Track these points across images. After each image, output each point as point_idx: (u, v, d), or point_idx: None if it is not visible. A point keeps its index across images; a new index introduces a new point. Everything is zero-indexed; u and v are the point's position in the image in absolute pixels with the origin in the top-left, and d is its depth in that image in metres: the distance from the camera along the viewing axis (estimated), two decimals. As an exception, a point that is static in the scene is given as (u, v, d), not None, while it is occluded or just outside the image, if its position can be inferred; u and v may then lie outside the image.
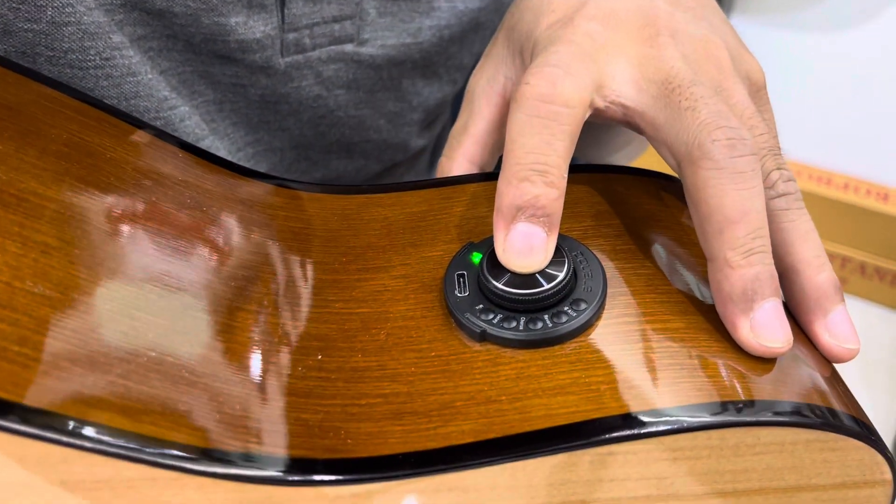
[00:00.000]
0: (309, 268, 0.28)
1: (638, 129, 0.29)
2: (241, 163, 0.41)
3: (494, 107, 0.32)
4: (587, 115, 0.28)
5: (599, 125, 0.29)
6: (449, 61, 0.44)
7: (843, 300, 0.27)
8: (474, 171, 0.32)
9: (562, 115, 0.26)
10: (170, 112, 0.36)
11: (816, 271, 0.27)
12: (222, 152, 0.39)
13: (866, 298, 1.41)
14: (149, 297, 0.24)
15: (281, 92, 0.38)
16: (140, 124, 0.29)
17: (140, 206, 0.26)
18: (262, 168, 0.42)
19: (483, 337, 0.25)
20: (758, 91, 0.30)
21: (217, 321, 0.25)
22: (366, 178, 0.47)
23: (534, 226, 0.25)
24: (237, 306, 0.26)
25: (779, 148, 0.28)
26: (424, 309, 0.27)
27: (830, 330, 0.27)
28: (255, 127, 0.40)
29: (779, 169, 0.28)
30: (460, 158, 0.32)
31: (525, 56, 0.31)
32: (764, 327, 0.25)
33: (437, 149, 0.54)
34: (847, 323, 0.27)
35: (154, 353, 0.22)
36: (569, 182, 0.31)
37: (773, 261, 0.25)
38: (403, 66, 0.42)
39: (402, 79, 0.42)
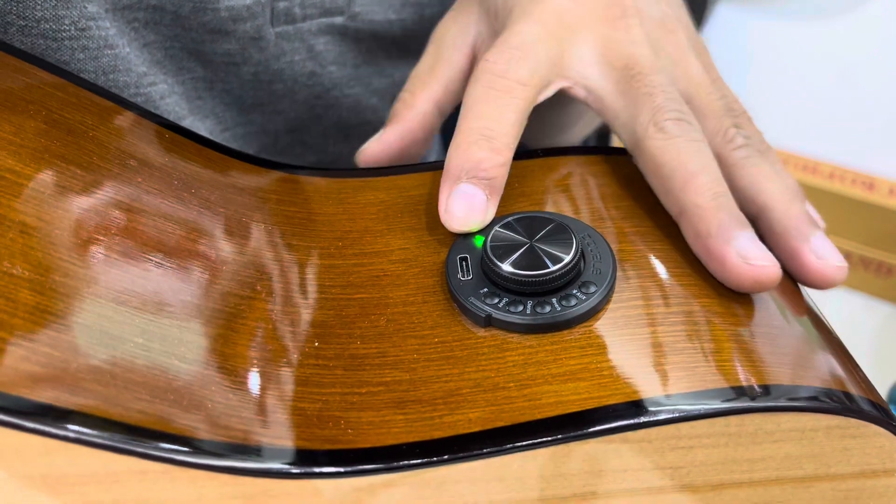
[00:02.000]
0: (304, 253, 0.27)
1: (598, 111, 0.30)
2: (228, 143, 0.39)
3: (464, 56, 0.33)
4: (542, 96, 0.29)
5: (546, 105, 0.31)
6: (425, 40, 0.43)
7: (821, 228, 0.27)
8: (436, 113, 0.32)
9: (515, 90, 0.28)
10: (150, 88, 0.35)
11: (790, 203, 0.27)
12: (202, 133, 0.38)
13: (851, 287, 1.41)
14: (135, 281, 0.22)
15: (274, 69, 0.37)
16: (123, 103, 0.28)
17: (124, 187, 0.25)
18: (252, 149, 0.41)
19: (488, 322, 0.24)
20: (708, 64, 0.32)
21: (208, 307, 0.23)
22: None
23: (475, 187, 0.26)
24: (229, 292, 0.24)
25: (736, 106, 0.30)
26: (426, 294, 0.26)
27: (816, 251, 0.26)
28: (248, 108, 0.39)
29: (735, 127, 0.29)
30: (425, 97, 0.32)
31: (497, 20, 0.31)
32: (749, 250, 0.25)
33: None
34: (831, 244, 0.27)
35: (142, 340, 0.21)
36: (574, 164, 0.30)
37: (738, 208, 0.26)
38: (383, 40, 0.41)
39: (378, 51, 0.42)
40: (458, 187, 0.26)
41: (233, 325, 0.23)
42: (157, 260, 0.23)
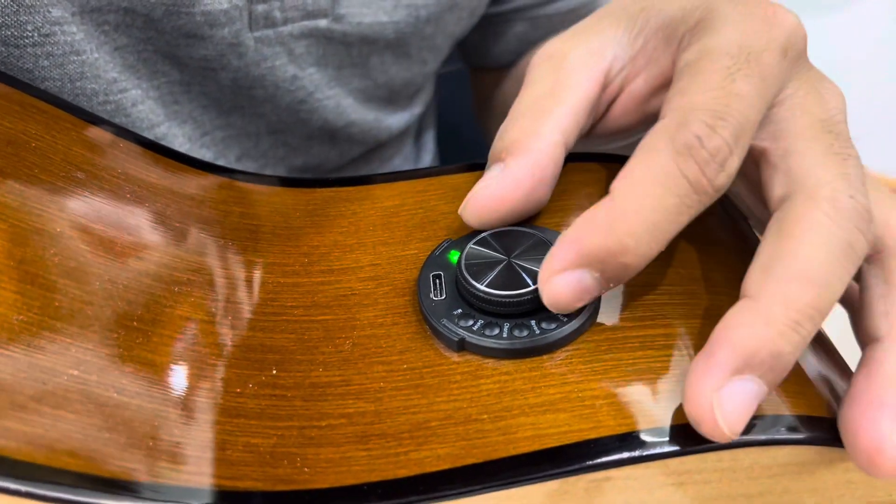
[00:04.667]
0: (265, 270, 0.25)
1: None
2: (208, 147, 0.38)
3: (594, 83, 0.26)
4: None
5: None
6: (422, 42, 0.41)
7: None
8: (563, 146, 0.25)
9: (706, 196, 0.21)
10: (120, 95, 0.33)
11: None
12: (180, 139, 0.36)
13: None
14: (73, 307, 0.21)
15: (255, 74, 0.36)
16: (75, 110, 0.26)
17: (69, 202, 0.23)
18: (233, 153, 0.39)
19: (462, 346, 0.22)
20: None
21: (156, 333, 0.22)
22: (350, 161, 0.44)
23: (594, 279, 0.21)
24: (180, 315, 0.22)
25: None
26: (396, 315, 0.24)
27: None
28: (228, 111, 0.38)
29: None
30: (553, 126, 0.25)
31: (670, 41, 0.25)
32: None
33: (420, 130, 0.52)
34: None
35: (76, 372, 0.19)
36: (562, 171, 0.28)
37: None
38: (376, 44, 0.39)
39: (371, 56, 0.40)
40: (580, 273, 0.20)
41: (183, 353, 0.22)
42: (101, 283, 0.22)
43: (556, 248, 0.21)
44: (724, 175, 0.20)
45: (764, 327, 0.19)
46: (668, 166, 0.20)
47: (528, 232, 0.24)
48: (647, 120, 0.27)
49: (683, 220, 0.20)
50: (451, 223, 0.27)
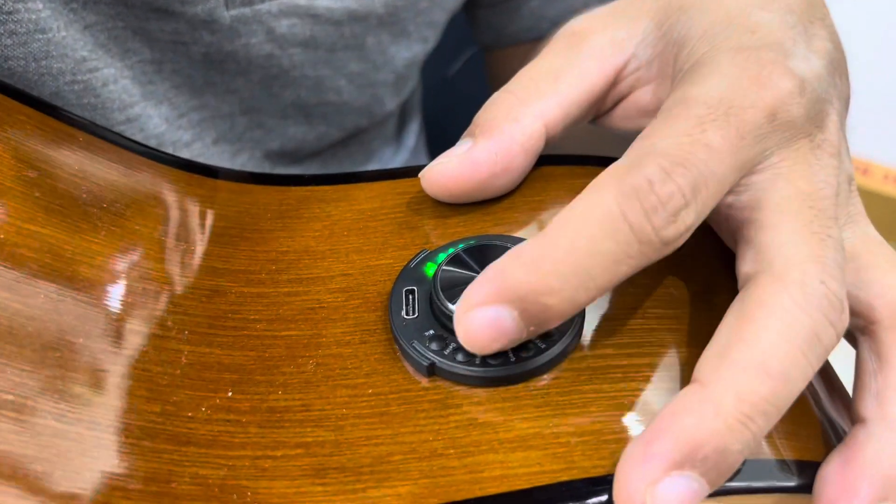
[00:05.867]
0: (229, 279, 0.24)
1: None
2: (185, 129, 0.36)
3: (603, 75, 0.25)
4: None
5: None
6: (419, 17, 0.39)
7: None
8: (543, 137, 0.24)
9: (655, 250, 0.19)
10: (89, 75, 0.32)
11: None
12: (155, 120, 0.35)
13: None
14: (14, 322, 0.19)
15: (227, 50, 0.34)
16: (30, 101, 0.24)
17: (17, 205, 0.21)
18: (209, 135, 0.38)
19: (432, 371, 0.21)
20: None
21: (102, 349, 0.20)
22: (329, 145, 0.42)
23: (516, 320, 0.19)
24: (131, 329, 0.21)
25: None
26: (365, 333, 0.22)
27: None
28: (200, 89, 0.36)
29: None
30: (537, 112, 0.24)
31: (677, 62, 0.23)
32: None
33: (404, 113, 0.50)
34: None
35: (11, 397, 0.18)
36: (539, 177, 0.26)
37: None
38: (367, 22, 0.37)
39: (366, 36, 0.38)
40: (498, 309, 0.18)
41: (132, 371, 0.20)
42: (45, 294, 0.20)
43: (476, 280, 0.19)
44: (674, 228, 0.18)
45: (712, 419, 0.17)
46: (611, 208, 0.18)
47: (507, 247, 0.22)
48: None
49: (623, 269, 0.18)
50: (431, 230, 0.25)
